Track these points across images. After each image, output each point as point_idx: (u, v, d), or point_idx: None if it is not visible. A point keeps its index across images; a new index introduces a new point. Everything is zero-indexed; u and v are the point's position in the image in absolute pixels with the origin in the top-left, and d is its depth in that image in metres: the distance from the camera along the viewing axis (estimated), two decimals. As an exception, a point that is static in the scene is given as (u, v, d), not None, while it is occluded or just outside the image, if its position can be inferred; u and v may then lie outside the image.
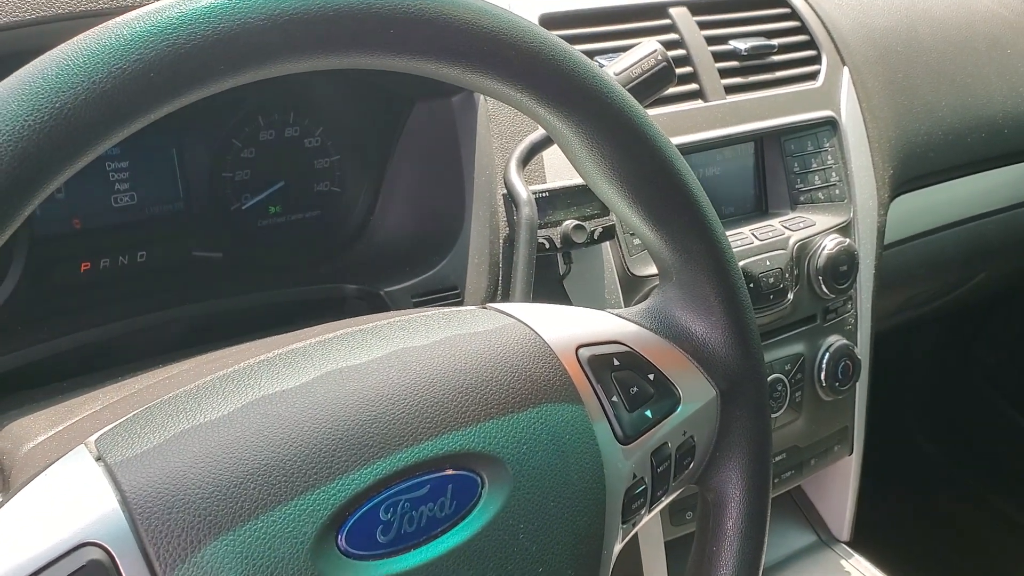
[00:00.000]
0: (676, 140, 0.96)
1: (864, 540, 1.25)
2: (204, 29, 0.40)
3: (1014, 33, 1.36)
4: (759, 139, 1.05)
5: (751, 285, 0.96)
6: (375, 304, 0.85)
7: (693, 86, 1.01)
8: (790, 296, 1.00)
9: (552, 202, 0.83)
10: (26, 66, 0.38)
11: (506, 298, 0.83)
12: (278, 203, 0.91)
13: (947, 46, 1.28)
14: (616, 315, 0.59)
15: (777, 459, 1.08)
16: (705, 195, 0.57)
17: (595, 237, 0.84)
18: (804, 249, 1.02)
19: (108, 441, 0.45)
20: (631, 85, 0.77)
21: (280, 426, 0.45)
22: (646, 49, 0.79)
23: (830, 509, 1.26)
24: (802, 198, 1.07)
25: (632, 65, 0.78)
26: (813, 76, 1.11)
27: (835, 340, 1.08)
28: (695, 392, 0.58)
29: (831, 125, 1.09)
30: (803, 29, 1.14)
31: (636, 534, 0.97)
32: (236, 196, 0.89)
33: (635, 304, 0.64)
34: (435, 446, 0.47)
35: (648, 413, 0.56)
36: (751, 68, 1.07)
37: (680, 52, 1.01)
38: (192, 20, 0.40)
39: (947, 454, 1.91)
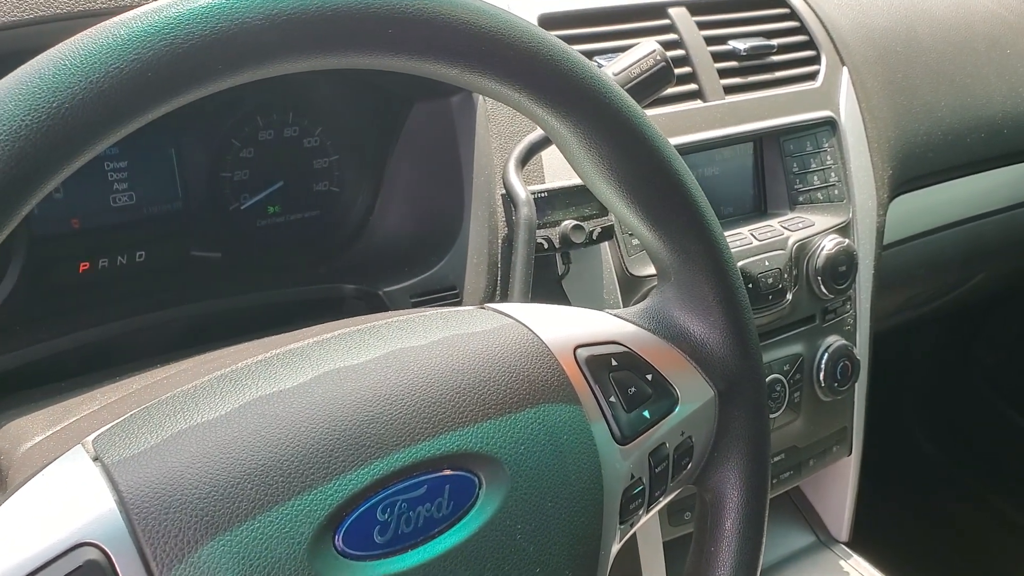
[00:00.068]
0: (675, 140, 0.96)
1: (863, 540, 1.25)
2: (202, 29, 0.40)
3: (1014, 34, 1.36)
4: (758, 139, 1.05)
5: (750, 285, 0.96)
6: (374, 304, 0.85)
7: (692, 86, 1.01)
8: (789, 296, 1.00)
9: (551, 202, 0.83)
10: (23, 66, 0.38)
11: (505, 298, 0.83)
12: (277, 203, 0.91)
13: (946, 46, 1.28)
14: (614, 315, 0.59)
15: (776, 459, 1.08)
16: (703, 195, 0.57)
17: (594, 237, 0.84)
18: (803, 249, 1.02)
19: (105, 441, 0.45)
20: (630, 85, 0.77)
21: (277, 426, 0.45)
22: (645, 49, 0.78)
23: (829, 509, 1.26)
24: (801, 198, 1.07)
25: (631, 65, 0.78)
26: (812, 76, 1.11)
27: (834, 340, 1.08)
28: (693, 392, 0.58)
29: (830, 125, 1.09)
30: (802, 29, 1.14)
31: (635, 534, 0.97)
32: (235, 196, 0.89)
33: (633, 304, 0.64)
34: (432, 446, 0.47)
35: (646, 413, 0.56)
36: (750, 68, 1.07)
37: (679, 52, 1.01)
38: (190, 20, 0.40)
39: (946, 454, 1.91)
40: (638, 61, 0.78)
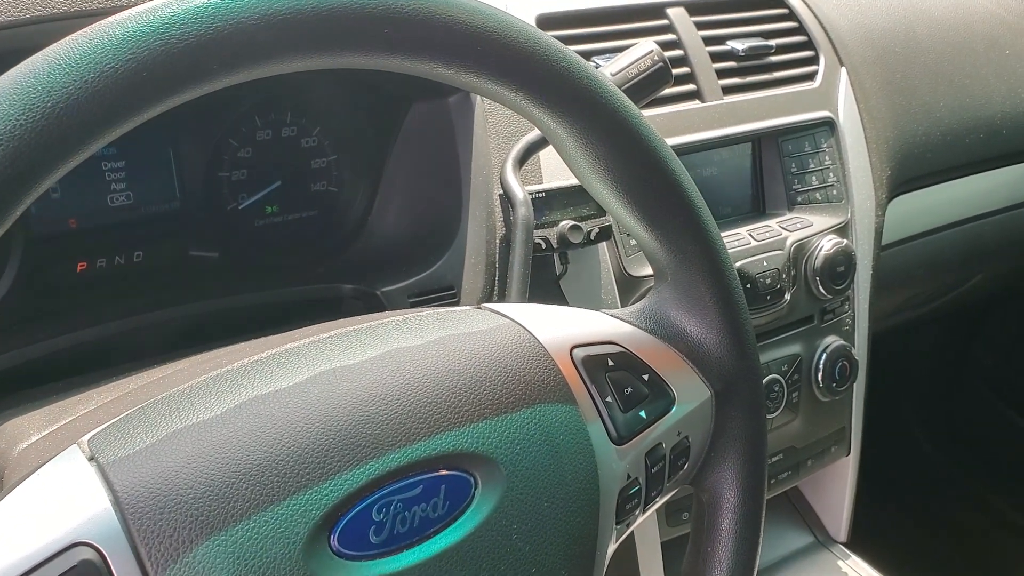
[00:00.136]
0: (673, 140, 0.96)
1: (861, 541, 1.25)
2: (197, 28, 0.40)
3: (1012, 34, 1.36)
4: (756, 139, 1.05)
5: (748, 286, 0.96)
6: (371, 304, 0.85)
7: (690, 86, 1.01)
8: (787, 297, 1.00)
9: (549, 202, 0.83)
10: (18, 65, 0.38)
11: (502, 299, 0.83)
12: (275, 203, 0.91)
13: (945, 47, 1.28)
14: (611, 315, 0.59)
15: (774, 460, 1.08)
16: (700, 195, 0.57)
17: (591, 238, 0.84)
18: (801, 250, 1.02)
19: (101, 441, 0.45)
20: (627, 85, 0.77)
21: (273, 426, 0.45)
22: (642, 49, 0.78)
23: (827, 510, 1.26)
24: (799, 199, 1.07)
25: (628, 65, 0.78)
26: (811, 76, 1.11)
27: (832, 341, 1.08)
28: (690, 393, 0.58)
29: (829, 126, 1.09)
30: (801, 30, 1.13)
31: (632, 534, 0.97)
32: (233, 196, 0.89)
33: (631, 305, 0.64)
34: (428, 446, 0.47)
35: (642, 414, 0.56)
36: (749, 68, 1.07)
37: (677, 52, 1.01)
38: (185, 19, 0.40)
39: (945, 455, 1.91)
40: (636, 61, 0.78)
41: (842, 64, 1.14)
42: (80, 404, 0.60)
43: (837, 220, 1.07)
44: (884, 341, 1.35)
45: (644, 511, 0.57)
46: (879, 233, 1.14)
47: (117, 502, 0.41)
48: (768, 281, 0.98)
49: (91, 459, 0.44)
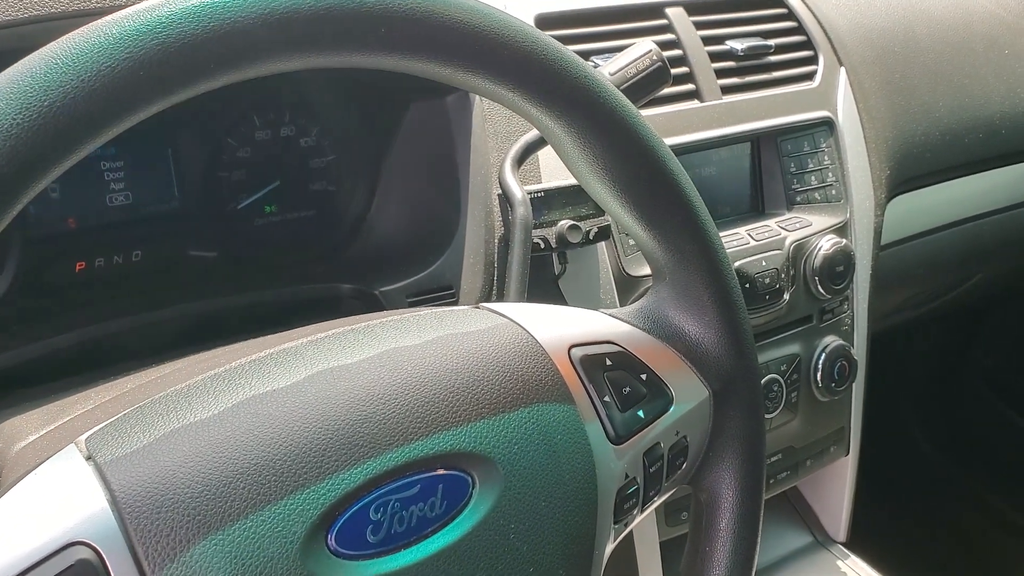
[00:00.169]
0: (672, 140, 0.96)
1: (860, 541, 1.25)
2: (194, 28, 0.40)
3: (1012, 34, 1.36)
4: (755, 139, 1.05)
5: (747, 285, 0.96)
6: (370, 304, 0.85)
7: (689, 86, 1.01)
8: (786, 296, 1.00)
9: (547, 202, 0.83)
10: (15, 64, 0.38)
11: (501, 298, 0.83)
12: (273, 202, 0.91)
13: (945, 47, 1.28)
14: (609, 315, 0.59)
15: (773, 459, 1.08)
16: (698, 195, 0.57)
17: (590, 237, 0.84)
18: (800, 249, 1.02)
19: (98, 440, 0.45)
20: (626, 85, 0.77)
21: (270, 425, 0.45)
22: (641, 49, 0.78)
23: (826, 510, 1.26)
24: (798, 198, 1.07)
25: (627, 65, 0.78)
26: (810, 76, 1.11)
27: (831, 341, 1.07)
28: (688, 392, 0.58)
29: (828, 125, 1.09)
30: (800, 29, 1.13)
31: (631, 534, 0.97)
32: (231, 195, 0.89)
33: (629, 304, 0.64)
34: (426, 446, 0.47)
35: (640, 413, 0.56)
36: (747, 68, 1.07)
37: (676, 52, 1.01)
38: (182, 18, 0.40)
39: (944, 455, 1.91)
40: (634, 61, 0.78)
41: (841, 64, 1.14)
42: (78, 404, 0.60)
43: (836, 220, 1.07)
44: (883, 341, 1.35)
45: (642, 511, 0.57)
46: (878, 233, 1.14)
47: (114, 501, 0.41)
48: (767, 281, 0.98)
49: (88, 458, 0.44)
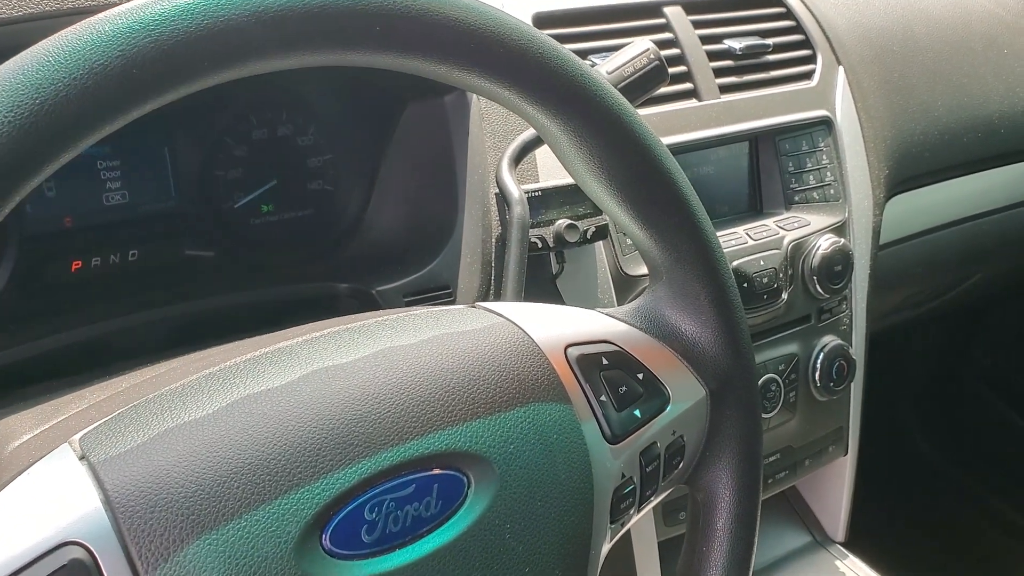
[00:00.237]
0: (670, 139, 0.96)
1: (859, 541, 1.25)
2: (188, 25, 0.40)
3: (1011, 33, 1.35)
4: (754, 139, 1.05)
5: (745, 285, 0.96)
6: (367, 303, 0.85)
7: (687, 85, 1.01)
8: (784, 296, 1.00)
9: (545, 201, 0.83)
10: (6, 62, 0.38)
11: (498, 298, 0.83)
12: (270, 202, 0.91)
13: (943, 46, 1.27)
14: (606, 314, 0.59)
15: (771, 459, 1.08)
16: (695, 194, 0.57)
17: (588, 237, 0.84)
18: (798, 249, 1.02)
19: (92, 440, 0.44)
20: (623, 84, 0.77)
21: (265, 425, 0.45)
22: (638, 48, 0.78)
23: (825, 510, 1.26)
24: (797, 198, 1.06)
25: (624, 64, 0.77)
26: (808, 76, 1.11)
27: (830, 340, 1.07)
28: (685, 392, 0.58)
29: (826, 125, 1.09)
30: (798, 28, 1.13)
31: (629, 534, 0.97)
32: (228, 195, 0.89)
33: (626, 303, 0.64)
34: (421, 445, 0.47)
35: (637, 412, 0.55)
36: (746, 67, 1.07)
37: (674, 51, 1.01)
38: (176, 16, 0.40)
39: (943, 454, 1.91)
40: (631, 60, 0.78)
41: (839, 63, 1.14)
42: (72, 403, 0.59)
43: (834, 219, 1.06)
44: (883, 341, 1.35)
45: (639, 510, 0.57)
46: (877, 232, 1.14)
47: (108, 501, 0.41)
48: (765, 280, 0.98)
49: (82, 458, 0.43)
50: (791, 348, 1.05)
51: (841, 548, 1.24)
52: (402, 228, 0.91)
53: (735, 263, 0.96)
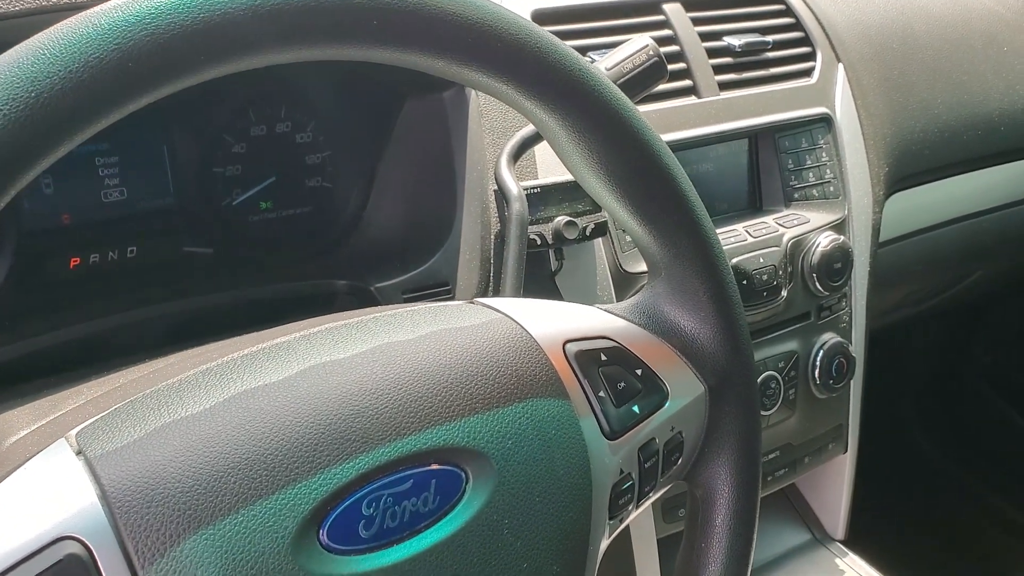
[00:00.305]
0: (669, 136, 0.95)
1: (859, 539, 1.25)
2: (184, 19, 0.40)
3: (1011, 31, 1.35)
4: (753, 136, 1.05)
5: (744, 282, 0.96)
6: (365, 300, 0.85)
7: (687, 82, 1.01)
8: (784, 293, 1.00)
9: (544, 198, 0.83)
10: (2, 55, 0.38)
11: (497, 294, 0.83)
12: (269, 199, 0.91)
13: (943, 43, 1.27)
14: (604, 310, 0.59)
15: (771, 457, 1.08)
16: (694, 190, 0.57)
17: (587, 233, 0.84)
18: (798, 246, 1.02)
19: (89, 435, 0.44)
20: (622, 80, 0.77)
21: (262, 420, 0.45)
22: (637, 44, 0.78)
23: (825, 507, 1.26)
24: (796, 195, 1.06)
25: (623, 60, 0.77)
26: (808, 73, 1.11)
27: (829, 338, 1.07)
28: (683, 388, 0.58)
29: (826, 122, 1.09)
30: (798, 26, 1.13)
31: (629, 531, 0.97)
32: (227, 192, 0.89)
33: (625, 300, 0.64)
34: (419, 441, 0.47)
35: (635, 408, 0.55)
36: (745, 64, 1.06)
37: (674, 48, 1.01)
38: (172, 10, 0.40)
39: (943, 452, 1.91)
40: (630, 56, 0.77)
41: (839, 60, 1.13)
42: (70, 399, 0.60)
43: (834, 217, 1.06)
44: (883, 338, 1.35)
45: (637, 506, 0.57)
46: (876, 230, 1.14)
47: (104, 496, 0.41)
48: (764, 278, 0.97)
49: (79, 453, 0.43)
50: (791, 345, 1.04)
51: (841, 546, 1.24)
52: (401, 225, 0.91)
53: (734, 260, 0.95)
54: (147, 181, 0.85)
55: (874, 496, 1.42)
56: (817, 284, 1.02)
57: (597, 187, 0.55)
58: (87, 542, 0.40)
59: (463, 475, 0.48)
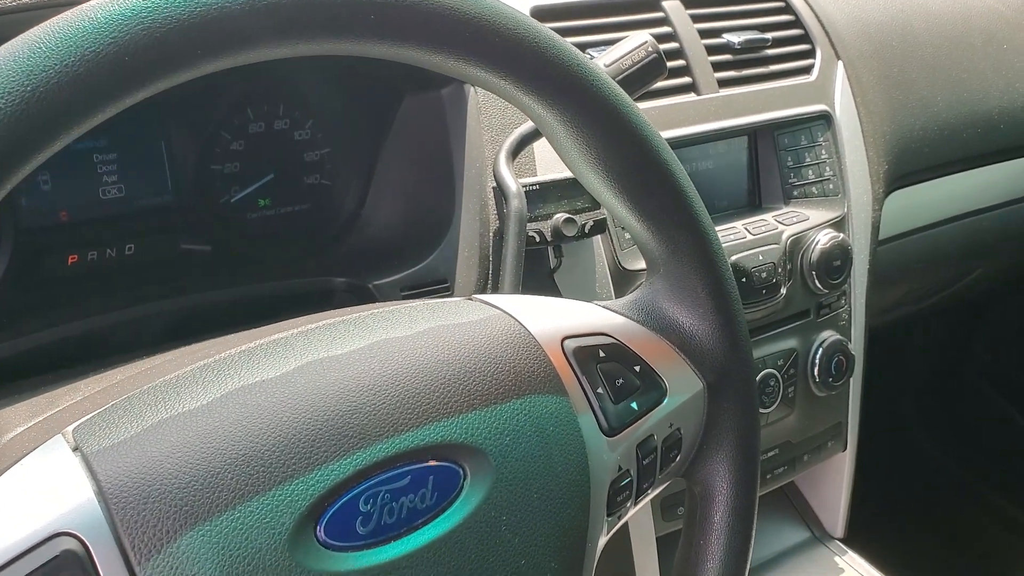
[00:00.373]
0: (669, 133, 0.95)
1: (858, 537, 1.25)
2: (181, 13, 0.40)
3: (1010, 29, 1.35)
4: (752, 133, 1.05)
5: (743, 279, 0.96)
6: (364, 297, 0.84)
7: (686, 79, 1.01)
8: (783, 291, 1.00)
9: (543, 195, 0.83)
10: (-3, 49, 0.38)
11: (496, 291, 0.83)
12: (267, 196, 0.91)
13: (943, 41, 1.27)
14: (603, 307, 0.59)
15: (770, 455, 1.08)
16: (692, 186, 0.57)
17: (586, 231, 0.84)
18: (797, 244, 1.01)
19: (85, 431, 0.44)
20: (621, 77, 0.77)
21: (259, 416, 0.45)
22: (636, 41, 0.78)
23: (824, 505, 1.26)
24: (796, 193, 1.06)
25: (622, 56, 0.77)
26: (807, 70, 1.11)
27: (828, 335, 1.07)
28: (682, 384, 0.58)
29: (825, 119, 1.09)
30: (797, 23, 1.13)
31: (627, 529, 0.97)
32: (225, 189, 0.89)
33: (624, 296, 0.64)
34: (416, 437, 0.47)
35: (634, 405, 0.55)
36: (745, 62, 1.06)
37: (673, 45, 1.01)
38: (169, 3, 0.40)
39: (943, 450, 1.91)
40: (629, 52, 0.77)
41: (839, 58, 1.13)
42: (67, 395, 0.59)
43: (833, 214, 1.06)
44: (883, 336, 1.35)
45: (636, 503, 0.57)
46: (876, 228, 1.14)
47: (101, 492, 0.41)
48: (764, 275, 0.97)
49: (75, 449, 0.43)
50: (790, 343, 1.04)
51: (840, 544, 1.24)
52: (399, 222, 0.91)
53: (733, 258, 0.95)
54: (145, 178, 0.85)
55: (873, 494, 1.42)
56: (816, 282, 1.02)
57: (596, 184, 0.55)
58: (83, 538, 0.40)
59: (461, 471, 0.48)
